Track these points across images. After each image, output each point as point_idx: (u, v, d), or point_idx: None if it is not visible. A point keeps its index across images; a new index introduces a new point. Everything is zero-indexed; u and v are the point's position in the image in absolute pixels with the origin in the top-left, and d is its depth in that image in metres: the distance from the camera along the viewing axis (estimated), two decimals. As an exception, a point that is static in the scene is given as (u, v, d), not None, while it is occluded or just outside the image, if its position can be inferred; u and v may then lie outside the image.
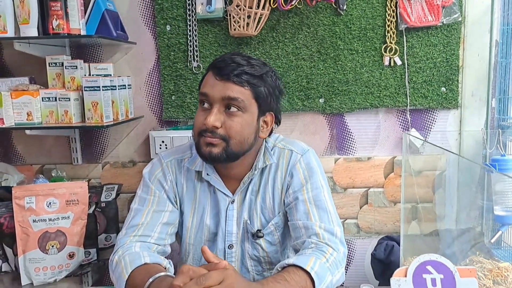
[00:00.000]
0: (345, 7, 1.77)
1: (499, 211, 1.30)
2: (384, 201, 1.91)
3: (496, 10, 1.74)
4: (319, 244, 1.16)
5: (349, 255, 1.94)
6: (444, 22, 1.74)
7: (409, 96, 1.82)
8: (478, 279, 1.16)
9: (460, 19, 1.74)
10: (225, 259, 1.25)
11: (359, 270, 1.96)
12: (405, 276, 0.73)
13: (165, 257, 1.18)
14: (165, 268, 1.05)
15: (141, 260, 1.03)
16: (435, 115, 1.86)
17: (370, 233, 1.93)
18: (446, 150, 1.13)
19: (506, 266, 1.27)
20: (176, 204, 1.23)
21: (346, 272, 1.95)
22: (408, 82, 1.81)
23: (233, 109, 1.08)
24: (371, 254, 1.64)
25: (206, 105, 1.11)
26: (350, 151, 1.90)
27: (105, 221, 1.67)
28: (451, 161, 1.83)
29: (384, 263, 1.59)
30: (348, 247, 1.93)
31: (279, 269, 1.05)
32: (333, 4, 1.76)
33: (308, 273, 1.02)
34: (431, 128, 1.87)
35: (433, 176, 1.88)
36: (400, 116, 1.87)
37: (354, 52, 1.81)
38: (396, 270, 0.75)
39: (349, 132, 1.89)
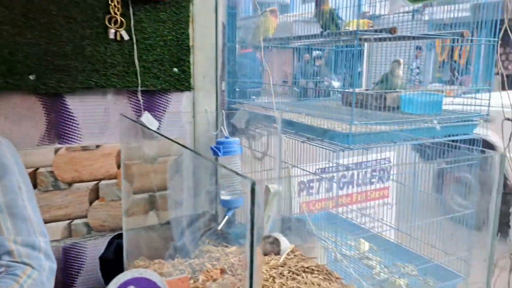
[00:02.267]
0: (56, -37, 1.44)
1: (225, 195, 1.28)
2: (119, 194, 1.70)
3: (221, -9, 1.74)
4: (11, 265, 0.87)
5: (79, 261, 1.66)
6: (173, -2, 1.64)
7: (140, 76, 1.65)
8: (206, 271, 1.10)
9: (188, -4, 1.67)
10: None
11: (93, 276, 1.70)
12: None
13: None
14: None
15: None
16: (169, 97, 1.75)
17: (103, 231, 1.69)
18: (167, 138, 1.00)
19: (233, 250, 1.26)
20: None
21: (76, 280, 1.67)
22: (138, 60, 1.63)
23: None
24: (99, 258, 1.41)
25: None
26: (74, 139, 1.61)
27: None
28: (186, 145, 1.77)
29: (115, 264, 1.39)
30: (77, 251, 1.65)
31: None
32: (39, -44, 1.41)
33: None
34: (165, 111, 1.75)
35: (170, 162, 1.79)
36: (132, 98, 1.68)
37: (72, 20, 1.50)
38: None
39: (71, 116, 1.59)
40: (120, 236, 1.48)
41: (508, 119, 1.55)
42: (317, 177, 2.36)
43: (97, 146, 1.64)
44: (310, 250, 1.28)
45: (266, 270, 1.11)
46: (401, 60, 1.69)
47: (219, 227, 1.26)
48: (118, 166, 1.69)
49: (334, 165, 2.28)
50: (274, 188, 1.31)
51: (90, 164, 1.63)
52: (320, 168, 2.34)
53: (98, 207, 1.67)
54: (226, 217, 1.25)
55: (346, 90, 1.79)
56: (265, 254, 1.25)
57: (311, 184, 2.40)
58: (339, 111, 1.64)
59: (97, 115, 1.63)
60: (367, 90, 1.79)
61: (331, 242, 1.68)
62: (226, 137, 1.29)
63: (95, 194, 1.66)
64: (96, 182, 1.65)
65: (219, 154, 1.27)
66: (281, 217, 1.54)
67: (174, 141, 0.94)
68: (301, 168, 2.10)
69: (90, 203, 1.66)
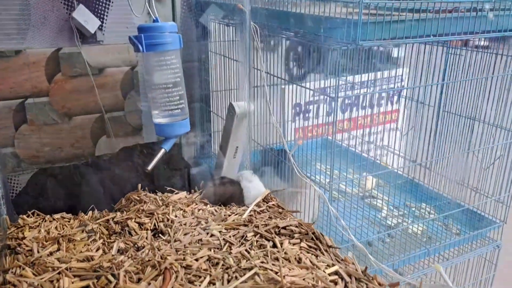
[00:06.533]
0: None
1: (159, 117, 0.86)
2: (53, 116, 1.32)
3: None
4: None
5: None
6: None
7: (68, -48, 1.18)
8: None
9: None
10: None
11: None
12: None
13: None
14: None
15: None
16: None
17: (39, 163, 1.33)
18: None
19: (179, 198, 0.89)
20: None
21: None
22: None
23: None
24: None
25: None
26: (-16, 42, 1.19)
27: None
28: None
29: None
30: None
31: None
32: None
33: None
34: (109, 4, 1.31)
35: (121, 75, 1.38)
36: (60, -14, 1.23)
37: None
38: None
39: (-26, 9, 1.15)
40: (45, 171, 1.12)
41: None
42: (316, 98, 1.96)
43: (17, 53, 1.22)
44: (294, 197, 0.92)
45: (220, 232, 0.74)
46: None
47: (149, 168, 0.86)
48: (50, 80, 1.28)
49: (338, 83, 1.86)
50: (241, 107, 0.91)
51: (9, 76, 1.23)
52: (320, 88, 1.92)
53: (28, 132, 1.30)
54: (162, 151, 0.85)
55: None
56: (224, 205, 0.88)
57: (309, 107, 2.01)
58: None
59: (12, 9, 1.19)
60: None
61: (326, 176, 1.32)
62: (156, 20, 0.84)
63: (21, 116, 1.28)
64: (20, 100, 1.26)
65: (141, 48, 0.84)
66: (261, 149, 1.15)
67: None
68: (299, 85, 1.67)
69: (16, 128, 1.28)
